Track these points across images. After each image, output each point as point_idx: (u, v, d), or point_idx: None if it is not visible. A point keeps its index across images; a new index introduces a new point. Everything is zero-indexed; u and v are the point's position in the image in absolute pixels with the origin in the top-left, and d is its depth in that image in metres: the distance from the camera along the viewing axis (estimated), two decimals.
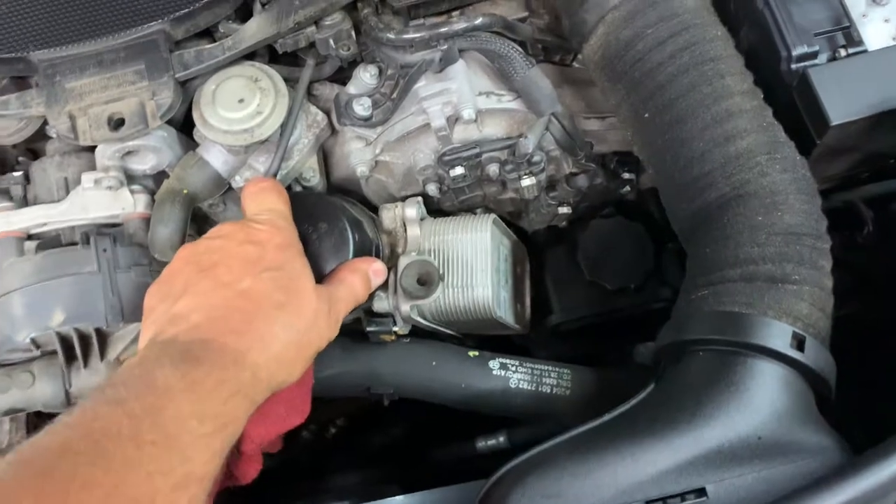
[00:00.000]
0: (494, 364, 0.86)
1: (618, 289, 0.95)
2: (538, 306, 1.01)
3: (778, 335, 0.66)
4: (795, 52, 0.84)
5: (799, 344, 0.66)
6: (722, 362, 0.67)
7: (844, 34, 0.84)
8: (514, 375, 0.85)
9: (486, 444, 1.01)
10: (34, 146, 0.94)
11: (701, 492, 0.62)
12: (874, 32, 0.84)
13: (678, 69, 0.77)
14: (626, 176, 0.94)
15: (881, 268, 0.87)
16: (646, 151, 0.82)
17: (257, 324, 0.66)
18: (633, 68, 0.80)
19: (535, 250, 1.05)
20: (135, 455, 0.54)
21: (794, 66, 0.84)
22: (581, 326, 0.99)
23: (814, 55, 0.84)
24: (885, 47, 0.82)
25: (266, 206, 0.76)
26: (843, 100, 0.79)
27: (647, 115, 0.80)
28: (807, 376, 0.66)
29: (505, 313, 0.88)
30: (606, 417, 0.69)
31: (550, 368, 0.86)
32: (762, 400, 0.65)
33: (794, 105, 0.84)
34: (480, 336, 0.98)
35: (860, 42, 0.84)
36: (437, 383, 0.86)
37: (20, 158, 0.94)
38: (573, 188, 0.91)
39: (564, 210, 0.94)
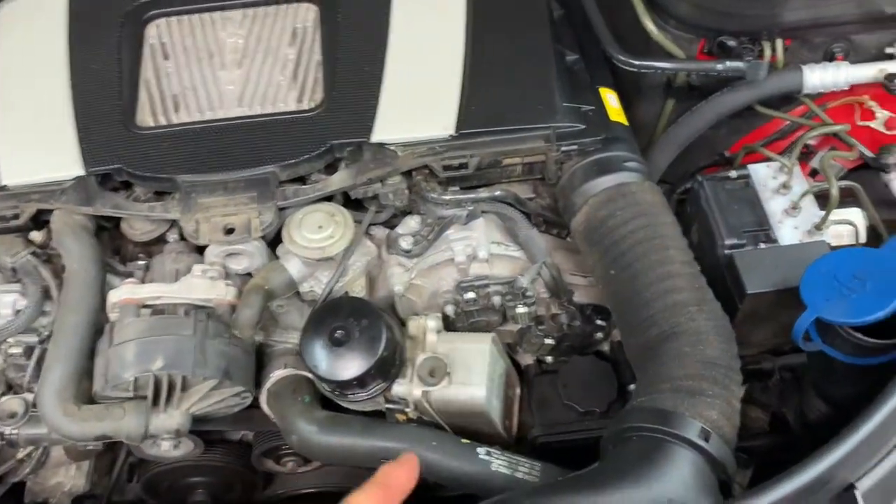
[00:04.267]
0: (481, 450, 1.08)
1: (586, 411, 1.19)
2: (522, 429, 1.24)
3: (690, 428, 0.89)
4: (728, 242, 1.14)
5: (706, 437, 0.89)
6: (648, 444, 0.90)
7: (764, 234, 1.15)
8: (495, 461, 1.07)
9: None
10: (150, 248, 1.24)
11: None
12: (786, 234, 1.15)
13: (636, 240, 1.07)
14: (599, 322, 1.21)
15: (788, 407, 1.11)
16: (611, 298, 1.10)
17: None
18: (605, 237, 1.10)
19: (526, 382, 1.29)
20: None
21: (726, 251, 1.14)
22: (556, 442, 1.21)
23: (742, 245, 1.14)
24: (791, 244, 1.12)
25: None
26: (758, 277, 1.08)
27: (612, 272, 1.09)
28: (710, 462, 0.89)
29: (494, 414, 1.12)
30: (559, 480, 0.91)
31: (525, 460, 1.08)
32: (675, 474, 0.87)
33: (723, 283, 1.12)
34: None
35: (775, 240, 1.14)
36: (435, 460, 1.07)
37: (139, 254, 1.24)
38: (556, 324, 1.18)
39: (549, 341, 1.21)
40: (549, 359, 1.28)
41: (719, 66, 1.22)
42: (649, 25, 1.27)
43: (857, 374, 1.01)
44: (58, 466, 1.28)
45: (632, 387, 1.20)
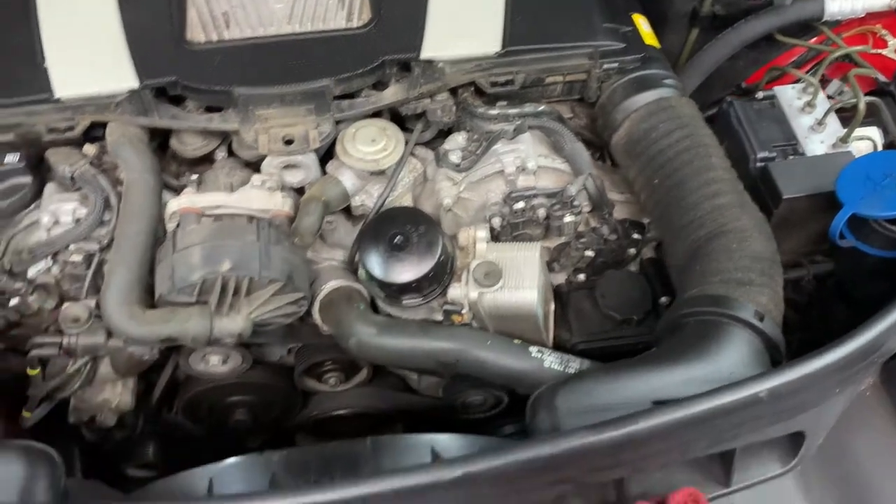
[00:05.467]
0: (533, 349, 1.13)
1: (624, 319, 1.25)
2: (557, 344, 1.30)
3: (746, 310, 0.96)
4: (759, 156, 1.21)
5: (760, 318, 0.96)
6: (707, 327, 0.97)
7: (792, 148, 1.22)
8: (547, 358, 1.12)
9: None
10: (195, 168, 1.26)
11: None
12: (813, 148, 1.22)
13: (681, 149, 1.13)
14: (635, 236, 1.27)
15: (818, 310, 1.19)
16: (654, 207, 1.16)
17: None
18: (649, 149, 1.16)
19: (559, 300, 1.35)
20: None
21: (758, 164, 1.21)
22: (595, 349, 1.26)
23: (772, 159, 1.21)
24: (819, 154, 1.19)
25: None
26: (792, 183, 1.15)
27: (656, 181, 1.15)
28: (764, 341, 0.96)
29: (541, 319, 1.17)
30: (622, 361, 0.97)
31: (574, 357, 1.13)
32: (734, 351, 0.94)
33: (757, 192, 1.19)
34: None
35: (803, 154, 1.21)
36: (490, 358, 1.12)
37: (187, 172, 1.25)
38: (597, 235, 1.24)
39: (589, 254, 1.26)
40: (581, 276, 1.34)
41: None
42: None
43: (885, 270, 1.09)
44: (104, 383, 1.30)
45: (663, 299, 1.27)
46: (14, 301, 1.13)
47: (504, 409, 1.53)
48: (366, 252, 1.12)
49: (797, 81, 1.28)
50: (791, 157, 1.20)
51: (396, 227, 1.12)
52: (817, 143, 1.22)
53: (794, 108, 1.26)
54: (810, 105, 1.25)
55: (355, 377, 1.39)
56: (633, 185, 1.20)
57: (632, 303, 1.26)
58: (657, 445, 0.81)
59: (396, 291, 1.14)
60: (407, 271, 1.11)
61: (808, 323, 1.24)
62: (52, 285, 1.17)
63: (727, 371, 0.92)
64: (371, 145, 1.17)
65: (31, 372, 1.17)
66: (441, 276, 1.13)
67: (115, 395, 1.30)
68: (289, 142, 1.14)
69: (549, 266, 1.34)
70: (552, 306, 1.31)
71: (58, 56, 1.17)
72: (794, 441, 0.92)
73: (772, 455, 0.92)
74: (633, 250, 1.31)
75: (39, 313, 1.18)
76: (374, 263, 1.11)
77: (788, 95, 1.27)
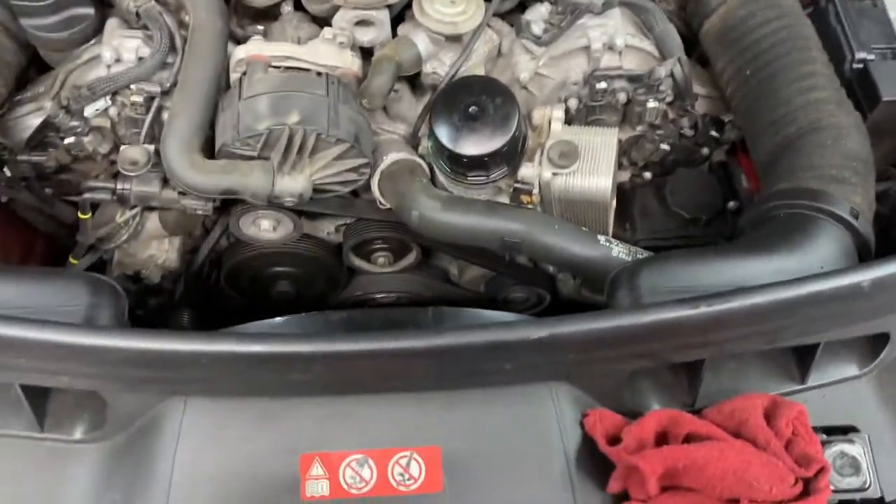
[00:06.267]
0: (601, 238, 1.09)
1: (692, 218, 1.21)
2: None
3: (841, 206, 0.91)
4: (857, 56, 1.14)
5: (855, 216, 0.92)
6: (798, 220, 0.92)
7: (893, 51, 1.15)
8: (615, 248, 1.08)
9: None
10: (261, 21, 1.20)
11: None
12: None
13: (779, 39, 1.07)
14: (713, 133, 1.22)
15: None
16: (743, 100, 1.10)
17: None
18: (744, 37, 1.09)
19: (621, 200, 1.30)
20: None
21: (855, 66, 1.14)
22: (659, 248, 1.22)
23: (871, 61, 1.14)
24: None
25: None
26: (892, 85, 1.08)
27: (748, 72, 1.09)
28: (856, 240, 0.91)
29: (610, 209, 1.13)
30: (706, 247, 0.93)
31: (643, 251, 1.09)
32: (826, 245, 0.90)
33: (851, 95, 1.12)
34: None
35: None
36: (556, 244, 1.08)
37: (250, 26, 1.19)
38: (676, 128, 1.18)
39: (665, 147, 1.21)
40: (647, 175, 1.29)
41: None
42: None
43: None
44: (150, 240, 1.27)
45: (731, 204, 1.23)
46: (69, 140, 1.09)
47: (544, 310, 1.51)
48: (437, 120, 1.07)
49: None
50: (892, 61, 1.13)
51: (472, 95, 1.07)
52: None
53: None
54: None
55: (404, 259, 1.36)
56: (721, 76, 1.14)
57: (702, 202, 1.22)
58: (748, 328, 0.78)
59: (464, 166, 1.09)
60: (479, 144, 1.05)
61: (887, 234, 1.19)
62: (108, 129, 1.13)
63: (818, 266, 0.88)
64: (451, 6, 1.10)
65: (81, 216, 1.14)
66: (512, 154, 1.08)
67: (162, 251, 1.28)
68: None
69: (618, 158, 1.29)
70: (614, 203, 1.26)
71: None
72: (876, 345, 0.89)
73: (850, 356, 0.89)
74: (706, 150, 1.26)
75: (92, 157, 1.14)
76: (445, 133, 1.06)
77: None
